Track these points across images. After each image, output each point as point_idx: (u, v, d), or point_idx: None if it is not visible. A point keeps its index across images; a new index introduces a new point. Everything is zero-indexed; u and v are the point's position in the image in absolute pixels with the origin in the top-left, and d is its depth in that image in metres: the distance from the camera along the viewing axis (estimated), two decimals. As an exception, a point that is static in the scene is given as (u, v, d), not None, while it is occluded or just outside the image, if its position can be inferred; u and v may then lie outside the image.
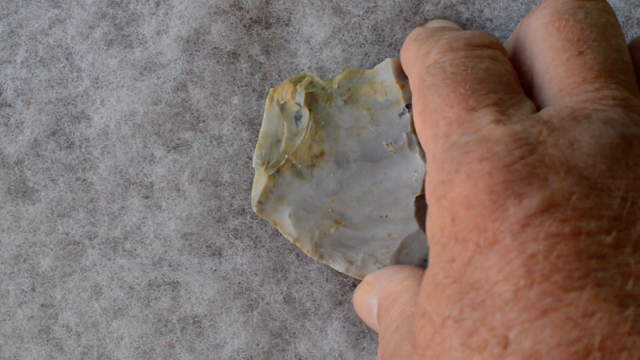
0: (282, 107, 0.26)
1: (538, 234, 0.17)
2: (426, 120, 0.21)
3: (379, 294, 0.25)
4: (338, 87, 0.26)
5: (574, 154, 0.18)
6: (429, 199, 0.20)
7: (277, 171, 0.26)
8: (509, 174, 0.18)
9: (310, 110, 0.26)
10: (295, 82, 0.26)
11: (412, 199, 0.26)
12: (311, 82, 0.26)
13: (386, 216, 0.26)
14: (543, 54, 0.21)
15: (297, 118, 0.26)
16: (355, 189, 0.26)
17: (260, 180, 0.27)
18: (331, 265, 0.27)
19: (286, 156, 0.26)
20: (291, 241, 0.27)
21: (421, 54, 0.23)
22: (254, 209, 0.27)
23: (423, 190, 0.26)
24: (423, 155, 0.26)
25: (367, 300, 0.26)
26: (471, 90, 0.20)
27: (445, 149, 0.19)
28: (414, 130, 0.26)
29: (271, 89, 0.27)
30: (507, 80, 0.21)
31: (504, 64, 0.21)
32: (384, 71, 0.26)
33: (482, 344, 0.16)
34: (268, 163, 0.26)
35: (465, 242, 0.18)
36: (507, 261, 0.17)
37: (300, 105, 0.26)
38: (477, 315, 0.17)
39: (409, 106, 0.26)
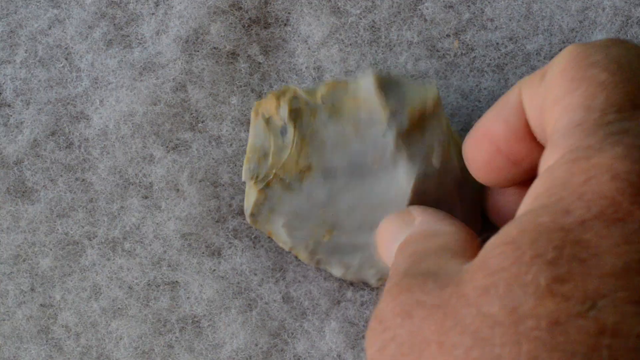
0: (268, 121, 0.26)
1: None
2: (578, 86, 0.20)
3: (417, 225, 0.24)
4: (322, 102, 0.26)
5: None
6: (559, 152, 0.20)
7: (267, 185, 0.26)
8: None
9: (295, 125, 0.26)
10: (279, 97, 0.26)
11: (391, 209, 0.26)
12: (295, 97, 0.26)
13: (377, 226, 0.26)
14: None
15: (283, 132, 0.26)
16: (345, 201, 0.26)
17: (251, 194, 0.26)
18: (329, 270, 0.27)
19: (274, 170, 0.26)
20: (286, 249, 0.27)
21: None
22: (248, 220, 0.27)
23: (410, 204, 0.26)
24: (407, 174, 0.26)
25: (398, 225, 0.25)
26: (639, 87, 0.20)
27: (599, 123, 0.19)
28: (398, 150, 0.26)
29: (256, 102, 0.27)
30: None
31: None
32: (367, 87, 0.26)
33: (567, 294, 0.17)
34: (257, 177, 0.26)
35: (590, 205, 0.18)
36: (627, 241, 0.17)
37: (284, 121, 0.26)
38: (575, 269, 0.17)
39: (391, 126, 0.26)
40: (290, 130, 0.26)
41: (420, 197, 0.26)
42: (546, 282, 0.17)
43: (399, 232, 0.24)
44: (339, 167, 0.26)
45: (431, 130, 0.26)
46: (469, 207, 0.27)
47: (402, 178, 0.26)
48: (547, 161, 0.20)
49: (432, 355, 0.18)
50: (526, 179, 0.25)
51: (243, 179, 0.26)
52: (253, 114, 0.26)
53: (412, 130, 0.25)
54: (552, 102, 0.21)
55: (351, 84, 0.26)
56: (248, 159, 0.26)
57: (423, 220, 0.24)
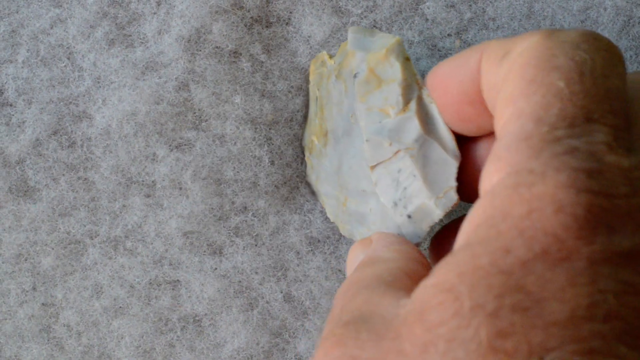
0: (312, 89, 0.27)
1: (614, 275, 0.16)
2: (534, 97, 0.19)
3: (366, 253, 0.24)
4: (334, 63, 0.26)
5: None
6: (497, 175, 0.19)
7: (309, 152, 0.27)
8: (611, 204, 0.17)
9: (318, 89, 0.26)
10: (314, 62, 0.27)
11: (369, 171, 0.25)
12: (322, 61, 0.27)
13: (364, 191, 0.26)
14: None
15: (315, 98, 0.27)
16: (345, 164, 0.26)
17: (307, 161, 0.28)
18: (354, 239, 0.27)
19: (312, 137, 0.27)
20: (331, 220, 0.27)
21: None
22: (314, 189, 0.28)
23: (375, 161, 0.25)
24: (365, 124, 0.25)
25: (358, 252, 0.24)
26: (598, 99, 0.19)
27: (547, 140, 0.18)
28: (360, 99, 0.25)
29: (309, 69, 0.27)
30: (625, 106, 0.20)
31: (626, 88, 0.20)
32: (349, 43, 0.25)
33: (511, 351, 0.15)
34: (306, 146, 0.27)
35: (531, 243, 0.17)
36: (573, 284, 0.16)
37: (314, 85, 0.27)
38: (518, 321, 0.16)
39: (356, 75, 0.25)
40: (315, 95, 0.26)
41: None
42: (487, 338, 0.16)
43: (358, 258, 0.24)
44: (339, 127, 0.26)
45: (387, 78, 0.25)
46: None
47: (361, 131, 0.25)
48: (489, 175, 0.19)
49: None
50: (478, 135, 0.24)
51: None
52: (308, 84, 0.28)
53: (369, 79, 0.25)
54: (507, 97, 0.20)
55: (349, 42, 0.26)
56: (304, 127, 0.27)
57: (372, 246, 0.23)
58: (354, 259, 0.24)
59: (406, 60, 0.25)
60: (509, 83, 0.20)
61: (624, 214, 0.17)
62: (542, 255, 0.16)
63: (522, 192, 0.17)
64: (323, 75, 0.26)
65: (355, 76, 0.25)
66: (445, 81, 0.23)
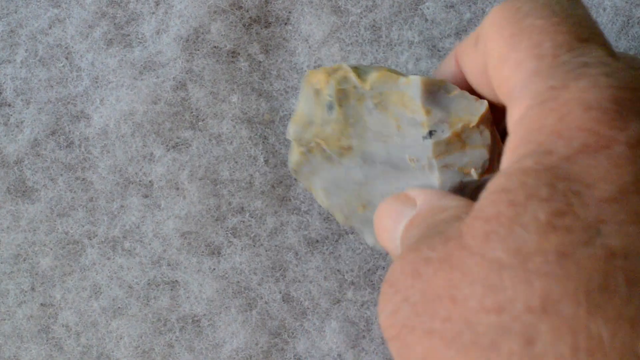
0: (317, 93, 0.26)
1: None
2: (521, 42, 0.20)
3: (421, 205, 0.24)
4: (371, 89, 0.26)
5: None
6: (524, 104, 0.19)
7: (309, 150, 0.26)
8: (633, 94, 0.18)
9: (340, 104, 0.26)
10: (330, 73, 0.26)
11: None
12: (345, 77, 0.26)
13: None
14: None
15: (329, 107, 0.26)
16: (380, 187, 0.26)
17: (294, 152, 0.27)
18: (362, 237, 0.27)
19: (317, 139, 0.26)
20: (324, 207, 0.27)
21: None
22: (291, 173, 0.27)
23: None
24: (441, 180, 0.26)
25: (400, 208, 0.24)
26: (579, 22, 0.20)
27: (554, 65, 0.19)
28: (435, 156, 0.26)
29: (309, 71, 0.27)
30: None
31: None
32: (414, 88, 0.26)
33: (569, 226, 0.16)
34: (300, 140, 0.26)
35: (571, 139, 0.18)
36: (616, 165, 0.17)
37: (331, 98, 0.26)
38: (571, 201, 0.17)
39: (431, 133, 0.26)
40: (336, 108, 0.26)
41: None
42: (546, 218, 0.17)
43: (401, 214, 0.24)
44: (378, 154, 0.26)
45: (473, 144, 0.26)
46: None
47: (435, 183, 0.26)
48: (513, 117, 0.20)
49: (447, 310, 0.17)
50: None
51: (288, 136, 0.27)
52: (304, 82, 0.27)
53: (452, 141, 0.25)
54: (498, 61, 0.21)
55: (401, 79, 0.26)
56: (296, 120, 0.27)
57: (426, 199, 0.24)
58: (394, 213, 0.24)
59: (492, 124, 0.26)
60: (492, 52, 0.21)
61: None
62: (582, 149, 0.17)
63: (550, 105, 0.19)
64: (350, 94, 0.26)
65: (430, 134, 0.25)
66: None
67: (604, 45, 0.20)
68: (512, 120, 0.20)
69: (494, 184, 0.18)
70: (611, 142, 0.17)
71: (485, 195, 0.18)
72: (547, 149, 0.18)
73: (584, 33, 0.20)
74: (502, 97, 0.21)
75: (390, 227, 0.24)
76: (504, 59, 0.21)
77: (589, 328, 0.16)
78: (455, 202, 0.23)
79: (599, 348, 0.16)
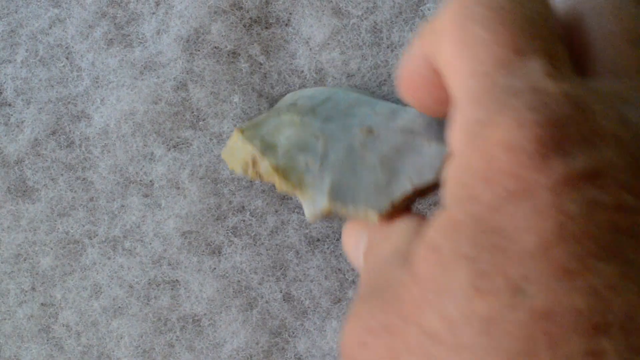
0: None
1: (578, 196, 0.16)
2: (464, 54, 0.20)
3: (370, 229, 0.24)
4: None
5: (623, 130, 0.17)
6: (457, 138, 0.19)
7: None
8: (559, 131, 0.17)
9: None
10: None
11: None
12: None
13: None
14: (598, 31, 0.21)
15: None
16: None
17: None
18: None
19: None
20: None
21: None
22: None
23: None
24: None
25: (357, 234, 0.24)
26: (522, 30, 0.19)
27: (487, 89, 0.19)
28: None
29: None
30: (556, 29, 0.20)
31: (551, 11, 0.20)
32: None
33: (492, 288, 0.16)
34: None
35: (496, 186, 0.17)
36: (539, 213, 0.16)
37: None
38: (495, 259, 0.16)
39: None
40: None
41: None
42: (469, 281, 0.16)
43: (360, 237, 0.24)
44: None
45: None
46: None
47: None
48: (451, 135, 0.20)
49: None
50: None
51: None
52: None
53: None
54: (444, 62, 0.20)
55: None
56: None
57: (370, 235, 0.24)
58: (352, 237, 0.24)
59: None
60: (441, 49, 0.20)
61: (575, 136, 0.17)
62: (506, 196, 0.17)
63: (477, 144, 0.18)
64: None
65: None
66: (406, 80, 0.23)
67: (548, 55, 0.19)
68: (450, 137, 0.20)
69: (429, 235, 0.18)
70: (535, 188, 0.17)
71: (421, 246, 0.18)
72: (473, 194, 0.17)
73: (523, 43, 0.19)
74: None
75: (353, 252, 0.24)
76: (449, 63, 0.20)
77: None
78: (400, 226, 0.22)
79: None
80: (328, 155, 0.26)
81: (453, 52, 0.20)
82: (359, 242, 0.24)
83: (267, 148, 0.26)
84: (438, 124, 0.26)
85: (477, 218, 0.17)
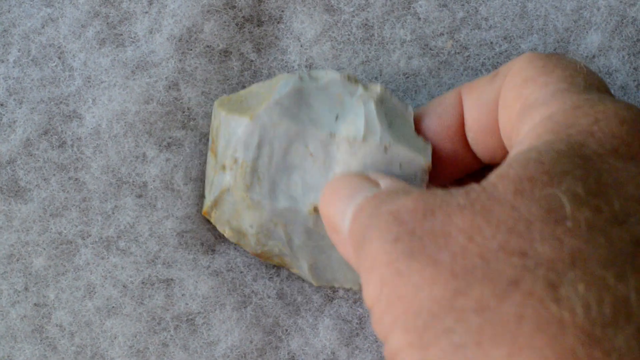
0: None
1: None
2: (553, 71, 0.22)
3: (388, 185, 0.23)
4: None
5: None
6: (553, 107, 0.21)
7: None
8: None
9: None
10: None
11: None
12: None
13: None
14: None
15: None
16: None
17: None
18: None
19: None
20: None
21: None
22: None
23: None
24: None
25: (359, 184, 0.23)
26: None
27: (586, 90, 0.21)
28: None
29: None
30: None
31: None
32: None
33: (599, 207, 0.18)
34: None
35: (603, 142, 0.19)
36: None
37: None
38: (602, 189, 0.18)
39: None
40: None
41: None
42: (583, 192, 0.18)
43: (359, 190, 0.23)
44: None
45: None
46: None
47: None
48: (534, 120, 0.21)
49: (460, 246, 0.18)
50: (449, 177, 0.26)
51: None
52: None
53: None
54: (521, 82, 0.22)
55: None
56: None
57: (391, 182, 0.23)
58: (351, 188, 0.23)
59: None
60: (514, 79, 0.22)
61: None
62: (613, 153, 0.19)
63: (585, 110, 0.20)
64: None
65: None
66: (424, 122, 0.26)
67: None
68: (532, 123, 0.21)
69: (520, 156, 0.19)
70: (639, 155, 0.19)
71: (509, 163, 0.19)
72: (580, 141, 0.19)
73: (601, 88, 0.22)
74: (510, 120, 0.22)
75: (344, 200, 0.23)
76: (531, 80, 0.22)
77: (616, 289, 0.17)
78: (419, 189, 0.22)
79: (624, 308, 0.16)
80: (293, 240, 0.26)
81: (537, 70, 0.22)
82: (358, 193, 0.23)
83: (240, 236, 0.27)
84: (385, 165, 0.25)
85: (585, 156, 0.19)
